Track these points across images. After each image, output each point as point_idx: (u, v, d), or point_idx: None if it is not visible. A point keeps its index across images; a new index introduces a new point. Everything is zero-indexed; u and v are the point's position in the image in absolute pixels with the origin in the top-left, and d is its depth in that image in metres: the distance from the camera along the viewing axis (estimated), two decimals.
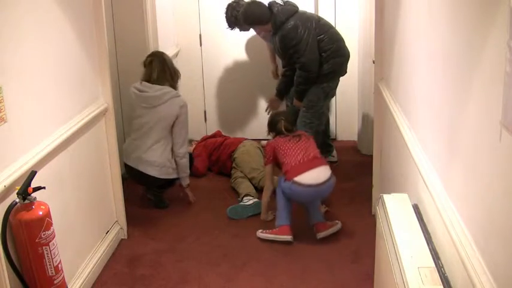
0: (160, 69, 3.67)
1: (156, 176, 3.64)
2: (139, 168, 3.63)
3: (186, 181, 3.82)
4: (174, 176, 3.73)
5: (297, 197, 3.33)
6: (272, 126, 3.59)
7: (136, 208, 3.78)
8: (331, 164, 3.87)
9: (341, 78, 4.20)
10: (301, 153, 3.32)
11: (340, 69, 4.08)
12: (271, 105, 4.49)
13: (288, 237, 3.31)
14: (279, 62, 4.52)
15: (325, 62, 3.94)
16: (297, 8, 4.02)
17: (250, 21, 4.08)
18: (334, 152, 4.50)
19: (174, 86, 3.71)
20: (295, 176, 3.22)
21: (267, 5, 4.02)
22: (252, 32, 4.77)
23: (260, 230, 3.44)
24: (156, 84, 3.62)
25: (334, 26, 4.30)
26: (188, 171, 3.80)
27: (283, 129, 3.46)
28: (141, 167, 3.63)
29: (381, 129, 3.45)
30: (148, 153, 3.61)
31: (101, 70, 3.07)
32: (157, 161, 3.61)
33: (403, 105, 2.75)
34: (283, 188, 3.31)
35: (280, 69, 4.48)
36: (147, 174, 3.63)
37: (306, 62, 3.90)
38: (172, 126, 3.64)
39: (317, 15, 4.16)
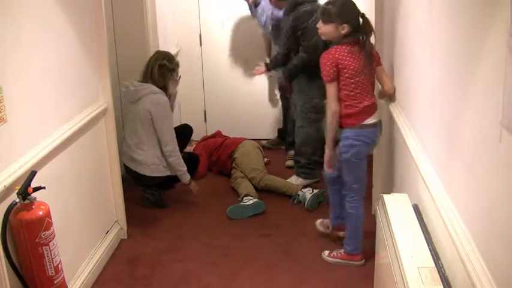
0: (145, 67, 3.64)
1: (147, 174, 3.64)
2: (132, 168, 3.65)
3: (184, 179, 3.74)
4: (167, 173, 3.69)
5: (367, 143, 2.85)
6: (348, 15, 2.77)
7: (137, 208, 3.78)
8: None
9: None
10: (368, 91, 2.80)
11: None
12: (259, 70, 4.45)
13: (362, 262, 3.05)
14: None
15: None
16: None
17: None
18: None
19: (158, 84, 3.59)
20: (362, 120, 2.81)
21: None
22: (252, 31, 4.77)
23: (327, 253, 3.14)
24: (141, 82, 3.61)
25: None
26: (183, 168, 3.68)
27: (367, 31, 2.76)
28: (134, 166, 3.64)
29: None
30: (137, 152, 3.63)
31: (101, 70, 3.07)
32: (144, 159, 3.62)
33: (403, 105, 2.75)
34: (349, 138, 2.80)
35: None
36: (141, 173, 3.64)
37: (311, 45, 3.88)
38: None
39: None
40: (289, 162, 4.49)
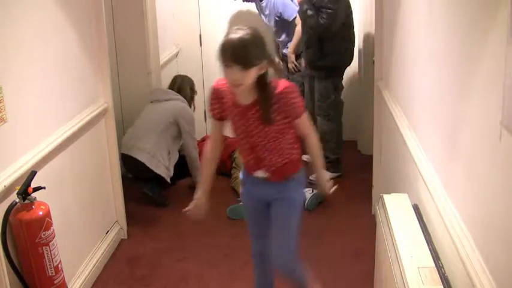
0: (170, 85, 4.18)
1: (144, 162, 3.67)
2: (130, 154, 3.68)
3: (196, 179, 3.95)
4: (161, 172, 3.73)
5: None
6: (266, 47, 2.10)
7: (136, 208, 3.78)
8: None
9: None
10: None
11: (344, 58, 4.15)
12: (292, 63, 4.49)
13: None
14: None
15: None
16: None
17: None
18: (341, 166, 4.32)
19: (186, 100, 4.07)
20: None
21: None
22: None
23: None
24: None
25: None
26: (198, 172, 3.82)
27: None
28: (133, 152, 3.69)
29: (380, 129, 3.45)
30: (143, 140, 3.72)
31: (101, 70, 3.07)
32: (149, 148, 3.70)
33: (403, 105, 2.75)
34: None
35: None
36: (138, 160, 3.67)
37: (333, 13, 3.85)
38: (178, 128, 3.88)
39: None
40: None
